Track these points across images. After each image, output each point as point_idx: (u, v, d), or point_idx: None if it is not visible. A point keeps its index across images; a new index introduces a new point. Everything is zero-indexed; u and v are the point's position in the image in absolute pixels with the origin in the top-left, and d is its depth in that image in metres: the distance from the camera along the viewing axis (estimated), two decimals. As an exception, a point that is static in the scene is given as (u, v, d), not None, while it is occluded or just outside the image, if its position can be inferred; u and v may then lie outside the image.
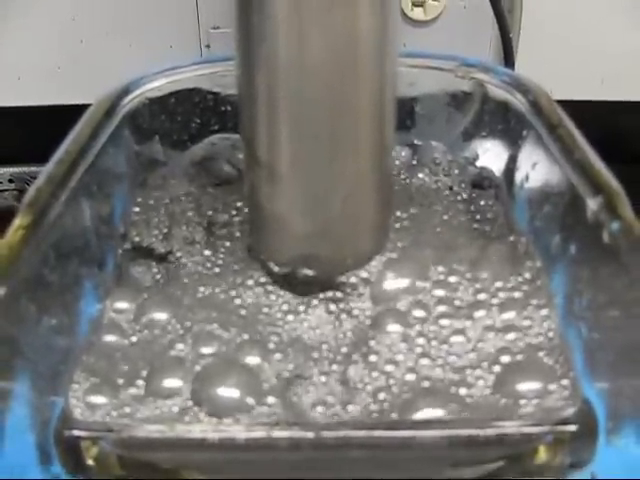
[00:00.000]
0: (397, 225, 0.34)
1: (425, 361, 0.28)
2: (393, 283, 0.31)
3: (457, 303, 0.30)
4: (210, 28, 0.67)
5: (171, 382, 0.27)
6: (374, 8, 0.27)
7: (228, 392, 0.27)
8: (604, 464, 0.25)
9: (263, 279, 0.32)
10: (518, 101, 0.35)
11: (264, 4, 0.27)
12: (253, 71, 0.28)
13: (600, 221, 0.27)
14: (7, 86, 0.69)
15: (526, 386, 0.27)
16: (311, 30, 0.27)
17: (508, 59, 0.63)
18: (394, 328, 0.29)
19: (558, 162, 0.31)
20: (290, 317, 0.30)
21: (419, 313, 0.30)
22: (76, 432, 0.26)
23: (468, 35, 0.66)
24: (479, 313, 0.30)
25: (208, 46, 0.67)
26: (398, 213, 0.35)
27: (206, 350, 0.29)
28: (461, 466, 0.26)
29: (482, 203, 0.36)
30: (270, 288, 0.31)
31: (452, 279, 0.31)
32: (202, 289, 0.31)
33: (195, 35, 0.67)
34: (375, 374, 0.28)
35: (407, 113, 0.39)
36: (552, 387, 0.26)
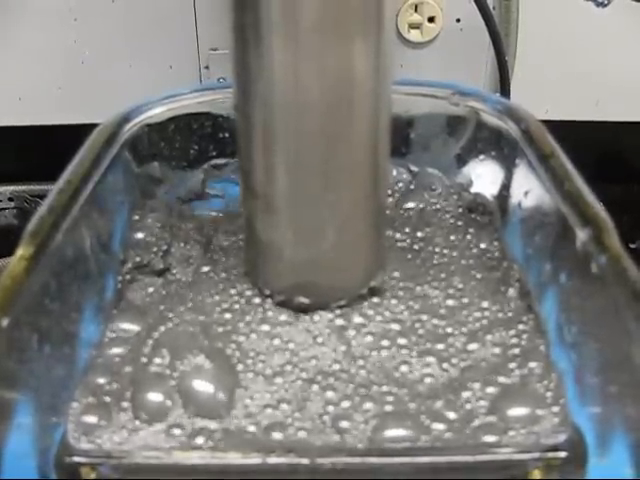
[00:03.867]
0: (392, 253, 0.35)
1: (412, 386, 0.29)
2: (387, 309, 0.32)
3: (448, 330, 0.31)
4: (209, 49, 0.67)
5: (169, 404, 0.28)
6: (368, 46, 0.28)
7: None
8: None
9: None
10: (511, 129, 0.36)
11: (260, 43, 0.27)
12: (250, 106, 0.29)
13: (589, 252, 0.27)
14: (8, 106, 0.70)
15: (517, 412, 0.27)
16: (306, 68, 0.27)
17: (504, 81, 0.64)
18: (385, 353, 0.30)
19: (549, 191, 0.31)
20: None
21: (411, 338, 0.31)
22: (76, 458, 0.26)
23: (464, 57, 0.67)
24: (470, 339, 0.30)
25: (207, 67, 0.68)
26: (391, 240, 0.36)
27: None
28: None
29: (476, 229, 0.36)
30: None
31: (446, 304, 0.32)
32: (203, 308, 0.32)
33: (194, 56, 0.68)
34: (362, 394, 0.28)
35: (402, 139, 0.40)
36: (542, 413, 0.27)
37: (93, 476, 0.26)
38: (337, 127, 0.28)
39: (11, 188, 0.76)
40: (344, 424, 0.27)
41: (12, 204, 0.76)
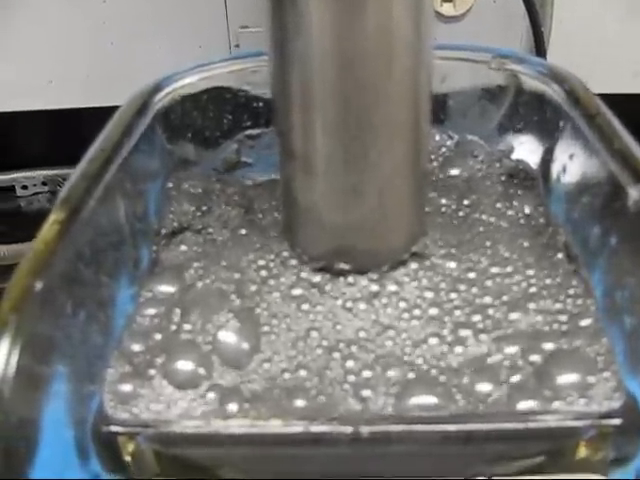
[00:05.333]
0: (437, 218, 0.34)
1: (464, 347, 0.28)
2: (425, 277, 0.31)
3: (497, 294, 0.30)
4: (239, 27, 0.67)
5: (201, 372, 0.27)
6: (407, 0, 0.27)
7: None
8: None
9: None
10: (554, 91, 0.35)
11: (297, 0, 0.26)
12: (287, 65, 0.28)
13: (642, 210, 0.26)
14: (39, 90, 0.70)
15: (566, 378, 0.26)
16: (345, 24, 0.26)
17: (540, 53, 0.63)
18: (436, 312, 0.29)
19: (597, 152, 0.30)
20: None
21: (461, 302, 0.30)
22: (113, 428, 0.26)
23: (498, 30, 0.66)
24: (512, 307, 0.29)
25: (237, 45, 0.67)
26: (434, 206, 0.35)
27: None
28: (501, 461, 0.26)
29: (519, 195, 0.35)
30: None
31: (493, 270, 0.31)
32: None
33: (224, 35, 0.67)
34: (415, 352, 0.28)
35: (441, 105, 0.39)
36: (594, 379, 0.26)
37: (131, 446, 0.26)
38: (377, 84, 0.28)
39: (44, 172, 0.76)
40: (365, 392, 0.26)
41: (46, 188, 0.77)
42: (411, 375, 0.27)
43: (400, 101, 0.28)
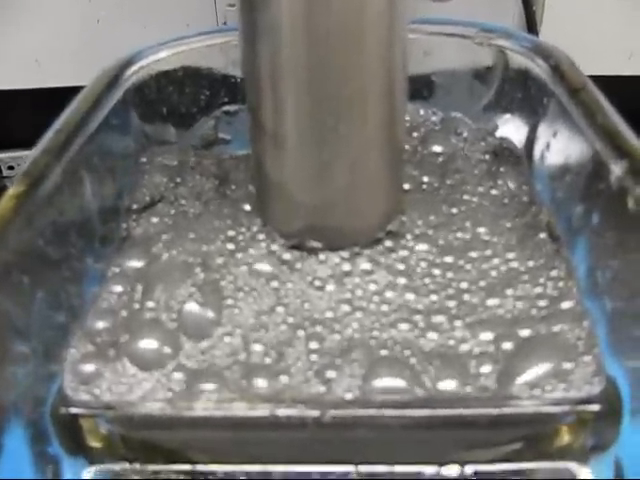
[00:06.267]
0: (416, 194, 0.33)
1: (439, 332, 0.27)
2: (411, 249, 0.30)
3: (474, 274, 0.29)
4: (227, 5, 0.65)
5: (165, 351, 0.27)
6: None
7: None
8: (629, 446, 0.23)
9: None
10: (539, 67, 0.34)
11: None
12: (257, 39, 0.27)
13: (625, 187, 0.25)
14: (25, 69, 0.69)
15: (545, 362, 0.25)
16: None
17: (532, 33, 0.62)
18: (410, 296, 0.28)
19: (580, 128, 0.29)
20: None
21: (437, 283, 0.29)
22: (73, 410, 0.25)
23: (490, 9, 0.65)
24: (497, 285, 0.28)
25: (225, 23, 0.66)
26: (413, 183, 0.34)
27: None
28: (478, 447, 0.25)
29: (501, 173, 0.34)
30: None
31: (471, 251, 0.30)
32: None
33: (212, 13, 0.66)
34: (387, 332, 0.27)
35: (425, 81, 0.38)
36: (574, 364, 0.25)
37: (91, 428, 0.25)
38: (347, 58, 0.27)
39: (29, 153, 0.75)
40: (329, 374, 0.25)
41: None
42: (377, 358, 0.26)
43: (372, 75, 0.27)
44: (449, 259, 0.30)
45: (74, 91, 0.69)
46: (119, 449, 0.25)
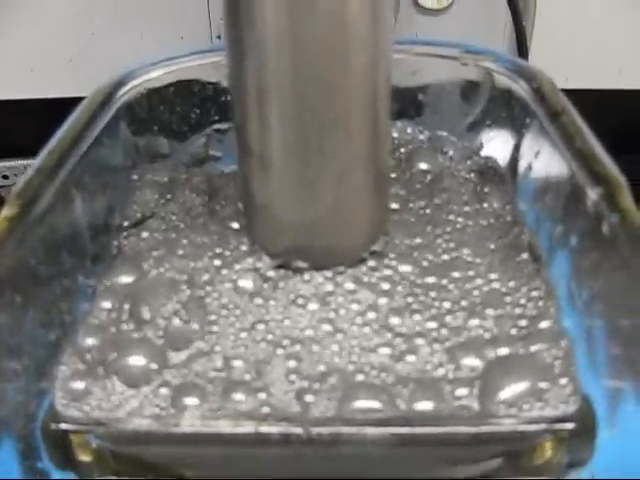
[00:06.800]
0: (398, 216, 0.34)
1: (416, 354, 0.27)
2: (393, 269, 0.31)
3: (455, 293, 0.30)
4: (221, 19, 0.66)
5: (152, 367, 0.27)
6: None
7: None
8: (604, 463, 0.24)
9: None
10: (522, 88, 0.34)
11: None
12: (242, 58, 0.28)
13: (600, 212, 0.26)
14: (21, 79, 0.69)
15: (523, 382, 0.26)
16: (299, 17, 0.26)
17: (522, 48, 0.62)
18: (394, 321, 0.29)
19: (560, 150, 0.30)
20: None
21: (415, 305, 0.29)
22: (64, 426, 0.25)
23: (481, 23, 0.65)
24: (478, 305, 0.29)
25: (219, 37, 0.67)
26: (399, 203, 0.34)
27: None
28: (456, 465, 0.26)
29: (486, 193, 0.35)
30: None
31: (454, 271, 0.31)
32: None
33: (206, 26, 0.67)
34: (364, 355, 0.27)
35: (411, 101, 0.38)
36: (550, 383, 0.26)
37: (83, 444, 0.25)
38: (332, 78, 0.27)
39: (26, 162, 0.76)
40: (306, 396, 0.26)
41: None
42: (355, 381, 0.26)
43: (357, 96, 0.28)
44: (432, 279, 0.30)
45: (70, 101, 0.69)
46: (109, 464, 0.26)
